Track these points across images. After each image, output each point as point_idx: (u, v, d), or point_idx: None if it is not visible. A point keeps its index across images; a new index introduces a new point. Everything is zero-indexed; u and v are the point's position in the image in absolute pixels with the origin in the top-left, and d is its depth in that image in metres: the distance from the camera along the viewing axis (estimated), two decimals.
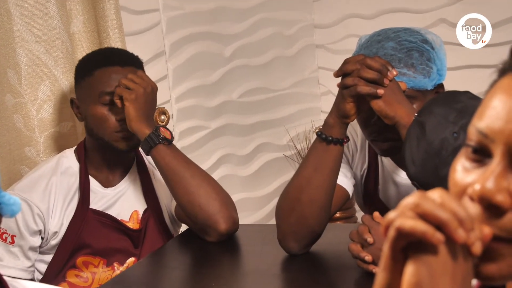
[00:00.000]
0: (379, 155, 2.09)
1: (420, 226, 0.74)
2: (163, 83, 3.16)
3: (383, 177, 2.12)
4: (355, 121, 1.94)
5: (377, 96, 1.79)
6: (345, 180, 2.05)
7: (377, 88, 1.78)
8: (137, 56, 2.31)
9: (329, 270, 1.98)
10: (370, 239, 1.76)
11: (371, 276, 1.74)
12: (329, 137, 1.86)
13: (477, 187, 0.79)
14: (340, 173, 1.97)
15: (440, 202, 0.74)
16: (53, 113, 2.44)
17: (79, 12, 2.53)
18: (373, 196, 2.15)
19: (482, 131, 0.81)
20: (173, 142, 2.14)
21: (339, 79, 1.86)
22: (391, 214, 0.76)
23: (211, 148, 3.40)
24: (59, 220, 2.16)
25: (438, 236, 0.73)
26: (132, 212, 2.27)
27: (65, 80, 2.44)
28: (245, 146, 3.60)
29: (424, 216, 0.74)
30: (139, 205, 2.28)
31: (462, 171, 0.83)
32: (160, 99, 3.13)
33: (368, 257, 1.76)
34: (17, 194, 2.07)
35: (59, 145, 2.46)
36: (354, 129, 2.11)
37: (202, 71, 3.37)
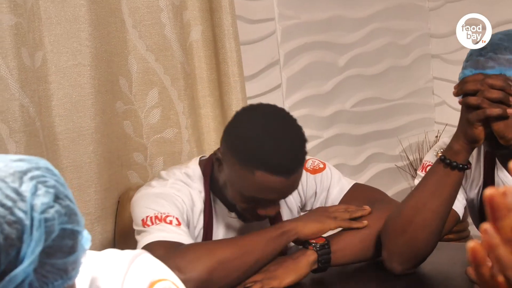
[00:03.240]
0: (495, 172, 1.91)
1: None
2: (276, 92, 3.08)
3: None
4: None
5: (505, 117, 1.63)
6: (457, 203, 1.92)
7: (505, 108, 1.64)
8: (305, 151, 1.88)
9: None
10: (488, 263, 1.59)
11: None
12: (454, 163, 1.73)
13: None
14: None
15: None
16: (160, 119, 2.40)
17: (198, 21, 2.49)
18: None
19: None
20: None
21: (452, 89, 1.72)
22: None
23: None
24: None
25: None
26: None
27: (173, 88, 2.40)
28: (357, 156, 3.47)
29: None
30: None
31: None
32: None
33: None
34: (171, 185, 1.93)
35: (164, 151, 2.43)
36: None
37: (315, 80, 3.27)
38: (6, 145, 1.94)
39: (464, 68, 1.75)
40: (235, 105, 2.51)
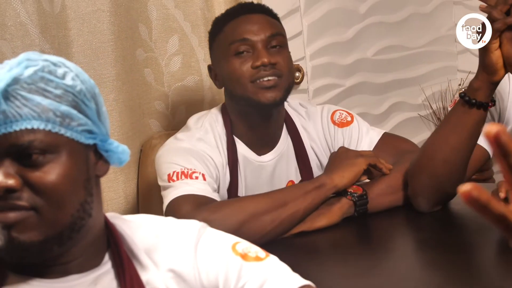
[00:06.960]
0: None
1: None
2: (297, 40, 3.04)
3: None
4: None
5: None
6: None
7: None
8: (270, 8, 2.02)
9: (467, 231, 1.81)
10: (502, 194, 1.63)
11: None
12: (473, 100, 1.70)
13: None
14: (482, 134, 1.80)
15: None
16: (181, 67, 2.37)
17: None
18: None
19: None
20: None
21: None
22: None
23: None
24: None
25: None
26: (288, 183, 2.08)
27: (194, 34, 2.37)
28: (379, 105, 3.43)
29: None
30: (294, 176, 2.08)
31: None
32: (295, 56, 3.00)
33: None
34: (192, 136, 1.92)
35: (186, 99, 2.40)
36: (503, 87, 1.91)
37: (337, 28, 3.22)
38: None
39: None
40: None
